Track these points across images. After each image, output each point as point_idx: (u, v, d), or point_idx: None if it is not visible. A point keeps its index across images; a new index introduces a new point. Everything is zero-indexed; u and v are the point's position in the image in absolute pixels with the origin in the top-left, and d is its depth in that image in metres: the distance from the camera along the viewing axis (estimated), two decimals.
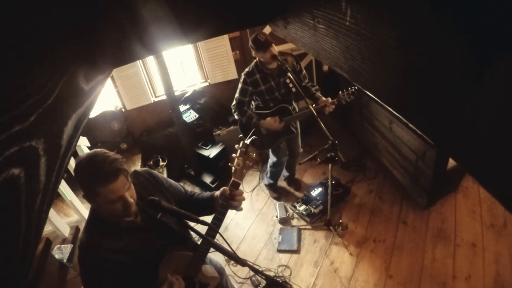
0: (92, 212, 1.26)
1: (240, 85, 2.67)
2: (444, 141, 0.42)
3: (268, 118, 2.67)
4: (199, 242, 1.39)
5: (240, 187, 1.41)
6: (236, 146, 1.45)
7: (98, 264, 1.18)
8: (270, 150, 3.04)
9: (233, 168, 1.41)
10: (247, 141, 1.44)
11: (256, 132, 2.55)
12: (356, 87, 2.59)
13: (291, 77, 2.53)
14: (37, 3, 0.44)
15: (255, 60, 2.65)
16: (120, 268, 1.19)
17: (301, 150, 3.17)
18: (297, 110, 2.88)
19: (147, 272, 1.27)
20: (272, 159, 3.13)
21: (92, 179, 1.09)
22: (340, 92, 2.64)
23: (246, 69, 2.67)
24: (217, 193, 1.46)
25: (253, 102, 2.83)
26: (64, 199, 2.91)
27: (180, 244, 1.41)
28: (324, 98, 2.66)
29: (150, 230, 1.30)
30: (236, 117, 2.79)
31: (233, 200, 1.38)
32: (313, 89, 2.78)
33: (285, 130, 2.78)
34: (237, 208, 1.41)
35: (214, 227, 1.37)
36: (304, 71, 2.80)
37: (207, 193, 1.57)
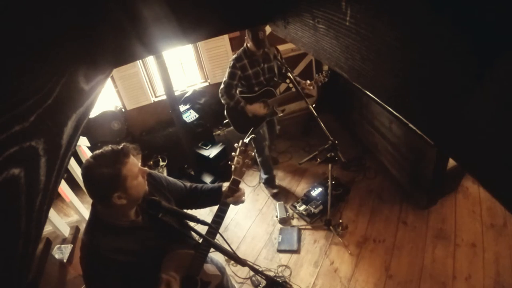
0: (93, 214, 1.26)
1: (229, 70, 2.81)
2: (444, 141, 0.42)
3: (255, 104, 2.86)
4: (200, 241, 1.40)
5: (240, 185, 1.46)
6: (236, 145, 1.50)
7: (100, 265, 1.18)
8: None
9: (233, 166, 1.46)
10: (246, 140, 1.49)
11: (242, 115, 2.84)
12: (329, 71, 2.97)
13: (291, 77, 2.54)
14: (37, 3, 0.44)
15: (243, 47, 2.81)
16: (123, 268, 1.19)
17: (279, 127, 3.41)
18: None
19: (149, 271, 1.27)
20: (255, 149, 3.18)
21: (115, 164, 1.14)
22: (316, 75, 3.00)
23: (235, 55, 2.83)
24: (225, 185, 1.51)
25: (238, 88, 2.96)
26: (64, 199, 2.91)
27: (181, 242, 1.41)
28: (303, 81, 2.93)
29: (151, 229, 1.31)
30: (223, 101, 2.89)
31: (233, 198, 1.44)
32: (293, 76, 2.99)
33: (269, 113, 2.97)
34: (237, 204, 1.48)
35: (213, 227, 1.37)
36: (283, 60, 3.02)
37: (214, 184, 1.61)
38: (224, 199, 1.44)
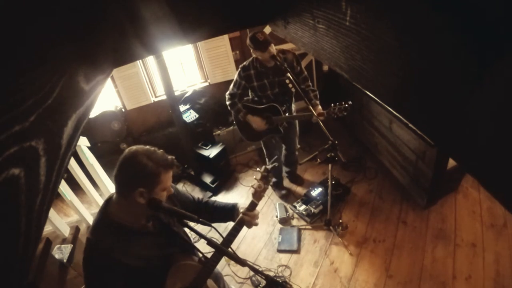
0: (103, 213, 1.24)
1: (235, 77, 2.72)
2: (444, 141, 0.42)
3: (256, 117, 2.73)
4: (205, 252, 1.40)
5: (257, 208, 1.55)
6: (258, 169, 1.59)
7: (106, 267, 1.17)
8: (262, 143, 3.10)
9: (253, 190, 1.55)
10: (269, 167, 1.58)
11: (246, 125, 2.78)
12: (349, 102, 2.49)
13: (291, 77, 2.52)
14: (37, 3, 0.44)
15: (252, 57, 2.64)
16: (129, 273, 1.18)
17: (298, 146, 3.23)
18: (292, 110, 2.89)
19: (155, 279, 1.26)
20: (265, 154, 3.17)
21: (159, 166, 1.17)
22: (332, 104, 2.54)
23: (244, 63, 2.71)
24: (240, 205, 1.57)
25: (250, 94, 2.86)
26: (64, 199, 2.91)
27: (190, 254, 1.42)
28: (319, 107, 2.61)
29: (160, 236, 1.31)
30: (228, 106, 2.84)
31: (249, 219, 1.49)
32: (312, 94, 2.73)
33: (272, 129, 2.82)
34: (250, 226, 1.53)
35: (213, 227, 1.38)
36: (305, 73, 2.77)
37: (228, 203, 1.65)
38: (240, 219, 1.49)
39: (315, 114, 2.47)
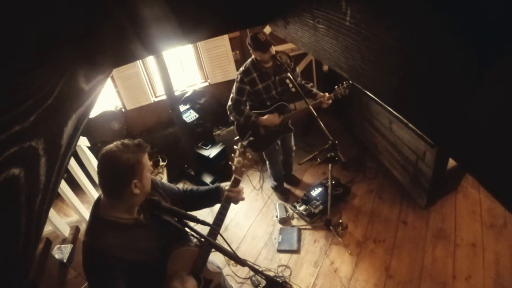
0: (94, 214, 1.25)
1: (236, 85, 2.61)
2: (444, 141, 0.42)
3: (268, 115, 2.66)
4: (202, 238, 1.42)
5: (241, 184, 1.60)
6: (235, 146, 1.63)
7: (106, 266, 1.17)
8: (264, 154, 3.05)
9: (233, 166, 1.60)
10: (245, 142, 1.63)
11: (254, 133, 2.59)
12: (350, 82, 2.69)
13: (291, 77, 2.53)
14: (37, 3, 0.44)
15: (250, 59, 2.61)
16: (130, 269, 1.19)
17: (294, 147, 3.22)
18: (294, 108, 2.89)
19: (156, 271, 1.28)
20: (267, 161, 3.15)
21: (137, 153, 1.21)
22: (336, 86, 2.75)
23: (242, 68, 2.63)
24: (223, 185, 1.61)
25: (247, 104, 2.79)
26: (64, 199, 2.91)
27: (185, 240, 1.44)
28: (321, 94, 2.71)
29: (153, 227, 1.32)
30: (232, 118, 2.71)
31: (234, 195, 1.54)
32: (309, 86, 2.81)
33: (283, 128, 2.80)
34: (237, 202, 1.58)
35: (214, 227, 1.39)
36: (297, 70, 2.83)
37: (211, 186, 1.70)
38: (226, 197, 1.53)
39: (326, 98, 2.64)
